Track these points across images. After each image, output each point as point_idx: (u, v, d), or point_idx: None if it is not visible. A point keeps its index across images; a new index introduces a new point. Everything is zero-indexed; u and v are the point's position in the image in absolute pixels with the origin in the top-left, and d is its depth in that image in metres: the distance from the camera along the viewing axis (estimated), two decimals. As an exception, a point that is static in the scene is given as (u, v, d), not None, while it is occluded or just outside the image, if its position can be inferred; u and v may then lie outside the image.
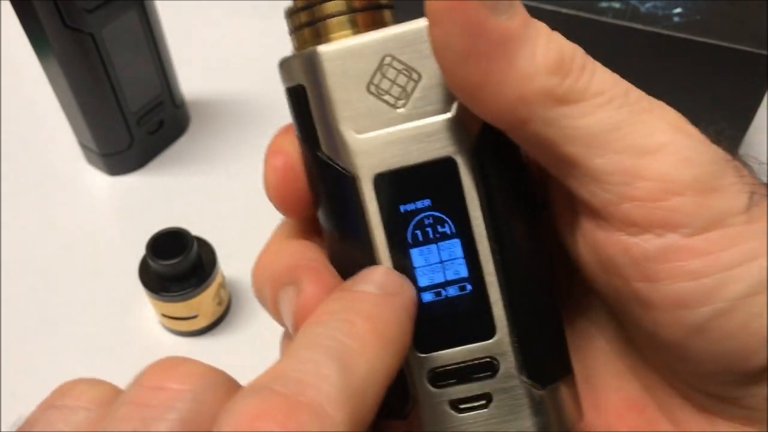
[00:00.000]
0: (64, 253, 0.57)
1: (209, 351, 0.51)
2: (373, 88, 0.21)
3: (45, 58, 0.55)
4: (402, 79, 0.21)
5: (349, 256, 0.23)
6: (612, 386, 0.25)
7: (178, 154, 0.64)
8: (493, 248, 0.22)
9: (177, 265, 0.48)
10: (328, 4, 0.22)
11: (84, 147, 0.62)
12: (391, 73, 0.21)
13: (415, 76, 0.21)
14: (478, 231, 0.22)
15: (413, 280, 0.22)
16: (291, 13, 0.23)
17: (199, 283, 0.49)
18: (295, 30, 0.23)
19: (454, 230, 0.22)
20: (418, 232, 0.22)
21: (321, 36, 0.22)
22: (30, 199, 0.61)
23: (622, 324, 0.24)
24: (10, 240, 0.58)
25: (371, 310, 0.20)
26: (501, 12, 0.19)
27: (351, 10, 0.22)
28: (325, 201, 0.23)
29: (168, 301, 0.49)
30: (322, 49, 0.21)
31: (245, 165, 0.63)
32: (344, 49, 0.21)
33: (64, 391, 0.21)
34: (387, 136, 0.21)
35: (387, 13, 0.23)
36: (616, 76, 0.21)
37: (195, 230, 0.50)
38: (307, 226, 0.25)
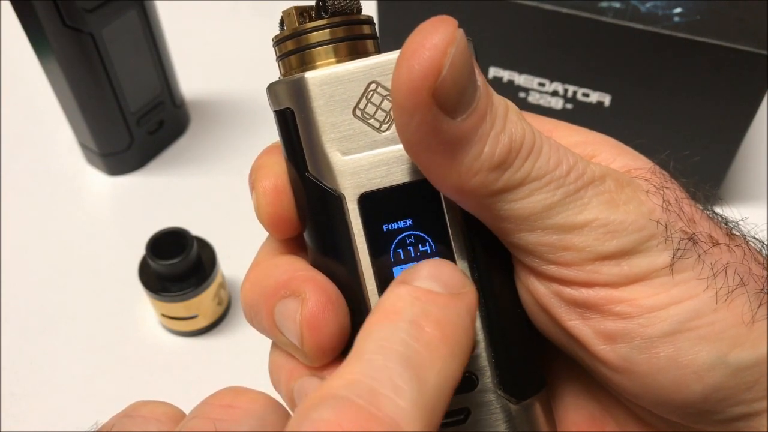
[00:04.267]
0: (63, 253, 0.57)
1: (209, 351, 0.51)
2: (358, 113, 0.22)
3: (45, 58, 0.55)
4: (386, 105, 0.22)
5: (333, 273, 0.23)
6: (574, 404, 0.26)
7: (177, 154, 0.64)
8: (471, 267, 0.23)
9: (177, 265, 0.48)
10: (315, 33, 0.23)
11: (84, 147, 0.62)
12: (375, 99, 0.22)
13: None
14: (457, 251, 0.22)
15: None
16: (278, 41, 0.24)
17: (199, 283, 0.49)
18: (282, 57, 0.24)
19: (434, 249, 0.23)
20: (400, 250, 0.23)
21: (307, 63, 0.23)
22: (30, 199, 0.61)
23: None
24: (10, 240, 0.58)
25: (439, 314, 0.20)
26: (458, 114, 0.20)
27: (337, 40, 0.23)
28: (312, 219, 0.24)
29: (168, 301, 0.49)
30: (310, 74, 0.22)
31: (245, 165, 0.62)
32: (331, 75, 0.22)
33: (137, 406, 0.22)
34: (372, 158, 0.22)
35: (370, 43, 0.24)
36: (563, 154, 0.22)
37: (195, 230, 0.50)
38: (291, 243, 0.26)
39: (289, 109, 0.23)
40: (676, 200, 0.23)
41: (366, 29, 0.24)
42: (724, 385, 0.21)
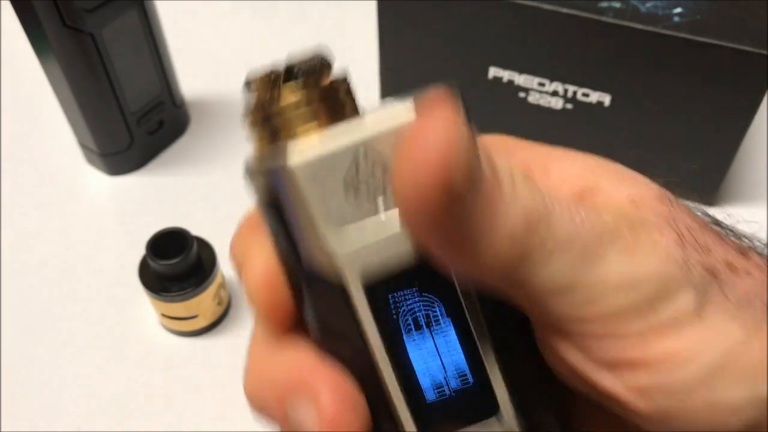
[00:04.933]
0: (63, 253, 0.57)
1: (209, 351, 0.51)
2: (351, 194, 0.20)
3: (45, 58, 0.55)
4: (379, 180, 0.20)
5: (343, 358, 0.22)
6: None
7: (178, 154, 0.64)
8: (486, 336, 0.21)
9: (177, 265, 0.48)
10: (288, 105, 0.21)
11: (84, 147, 0.62)
12: (366, 176, 0.20)
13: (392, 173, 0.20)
14: (472, 321, 0.21)
15: (414, 382, 0.21)
16: (247, 113, 0.22)
17: (199, 283, 0.49)
18: (254, 129, 0.22)
19: (449, 324, 0.21)
20: (415, 331, 0.21)
21: (283, 136, 0.21)
22: (30, 199, 0.61)
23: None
24: (10, 240, 0.58)
25: None
26: (468, 197, 0.18)
27: (313, 108, 0.21)
28: (313, 313, 0.22)
29: (168, 301, 0.49)
30: (293, 161, 0.20)
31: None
32: (315, 159, 0.20)
33: None
34: (372, 238, 0.20)
35: (349, 105, 0.22)
36: (574, 211, 0.20)
37: (195, 230, 0.50)
38: (287, 322, 0.24)
39: (273, 202, 0.21)
40: (687, 229, 0.22)
41: (343, 89, 0.22)
42: (760, 420, 0.21)
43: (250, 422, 0.26)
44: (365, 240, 0.20)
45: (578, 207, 0.21)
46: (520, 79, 0.56)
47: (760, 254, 0.23)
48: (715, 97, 0.51)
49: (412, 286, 0.21)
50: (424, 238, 0.19)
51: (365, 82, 0.67)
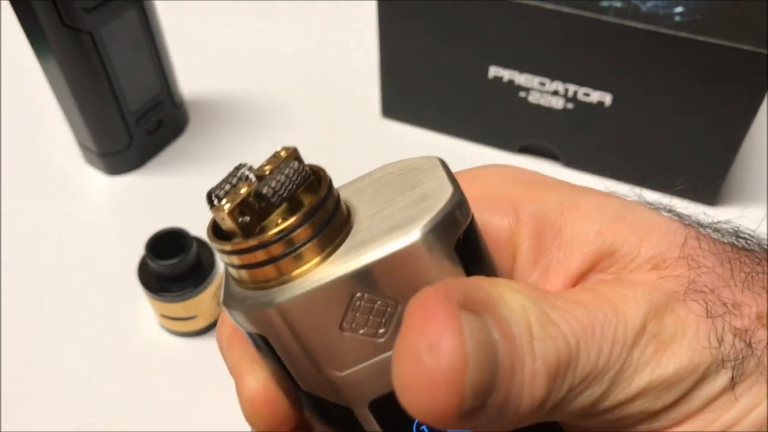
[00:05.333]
0: (62, 252, 0.57)
1: (208, 352, 0.51)
2: (347, 326, 0.19)
3: (44, 57, 0.55)
4: (378, 311, 0.19)
5: None
6: None
7: (177, 153, 0.64)
8: None
9: (176, 266, 0.47)
10: (269, 248, 0.19)
11: (83, 147, 0.62)
12: (365, 309, 0.19)
13: (392, 304, 0.19)
14: None
15: None
16: (223, 251, 0.20)
17: (198, 283, 0.49)
18: (233, 267, 0.20)
19: None
20: None
21: (266, 280, 0.19)
22: (28, 198, 0.61)
23: None
24: (9, 240, 0.58)
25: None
26: (489, 396, 0.17)
27: (297, 247, 0.19)
28: (314, 413, 0.21)
29: (167, 301, 0.49)
30: (278, 306, 0.18)
31: (245, 165, 0.62)
32: (306, 298, 0.18)
33: None
34: (373, 366, 0.19)
35: (336, 222, 0.20)
36: (601, 335, 0.19)
37: (194, 230, 0.50)
38: None
39: (261, 335, 0.20)
40: (712, 290, 0.21)
41: (330, 205, 0.19)
42: None
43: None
44: (369, 369, 0.19)
45: (606, 326, 0.19)
46: (521, 79, 0.56)
47: None
48: (716, 97, 0.51)
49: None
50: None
51: (365, 82, 0.67)
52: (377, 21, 0.57)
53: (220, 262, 0.51)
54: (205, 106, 0.67)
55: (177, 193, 0.61)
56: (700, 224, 0.23)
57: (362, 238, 0.19)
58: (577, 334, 0.19)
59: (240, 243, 0.19)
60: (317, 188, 0.20)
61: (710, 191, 0.56)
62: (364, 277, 0.18)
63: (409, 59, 0.59)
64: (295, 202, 0.20)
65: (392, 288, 0.19)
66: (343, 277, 0.18)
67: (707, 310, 0.20)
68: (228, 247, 0.19)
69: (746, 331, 0.20)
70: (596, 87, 0.54)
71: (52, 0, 0.50)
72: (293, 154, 0.20)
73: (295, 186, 0.19)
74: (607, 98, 0.54)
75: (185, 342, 0.52)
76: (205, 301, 0.50)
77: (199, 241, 0.50)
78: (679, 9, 0.50)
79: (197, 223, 0.54)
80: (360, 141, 0.64)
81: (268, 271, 0.19)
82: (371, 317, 0.19)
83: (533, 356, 0.18)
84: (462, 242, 0.19)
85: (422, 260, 0.18)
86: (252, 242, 0.19)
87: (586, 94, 0.55)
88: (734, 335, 0.20)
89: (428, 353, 0.16)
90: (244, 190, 0.19)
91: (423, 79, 0.60)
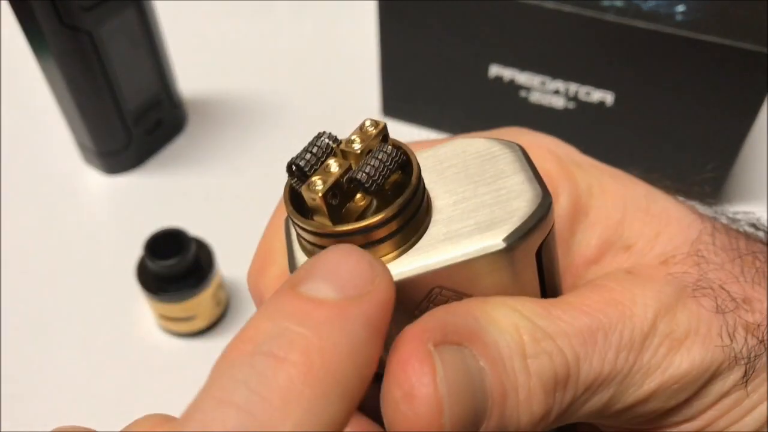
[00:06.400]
0: (60, 252, 0.57)
1: (207, 352, 0.51)
2: (418, 314, 0.19)
3: (42, 56, 0.55)
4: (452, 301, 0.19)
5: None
6: None
7: (175, 153, 0.64)
8: None
9: (175, 266, 0.47)
10: (372, 232, 0.18)
11: (81, 146, 0.62)
12: (440, 300, 0.19)
13: (466, 296, 0.19)
14: None
15: None
16: (309, 233, 0.19)
17: (197, 283, 0.48)
18: (319, 247, 0.19)
19: None
20: None
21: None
22: (27, 198, 0.61)
23: None
24: (7, 239, 0.58)
25: (312, 336, 0.15)
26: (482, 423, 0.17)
27: (393, 233, 0.19)
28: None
29: (165, 301, 0.48)
30: None
31: (243, 164, 0.62)
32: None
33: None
34: None
35: (424, 215, 0.19)
36: (606, 341, 0.19)
37: (193, 230, 0.50)
38: None
39: None
40: (722, 286, 0.21)
41: (419, 195, 0.19)
42: None
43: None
44: None
45: (610, 327, 0.19)
46: (522, 78, 0.56)
47: None
48: (718, 96, 0.51)
49: None
50: None
51: (365, 81, 0.67)
52: (377, 20, 0.57)
53: (219, 261, 0.51)
54: (204, 105, 0.67)
55: (176, 193, 0.61)
56: (718, 216, 0.23)
57: (446, 231, 0.19)
58: (576, 345, 0.19)
59: (329, 227, 0.18)
60: (405, 170, 0.20)
61: (712, 190, 0.56)
62: (446, 273, 0.18)
63: (409, 58, 0.59)
64: None
65: (469, 284, 0.19)
66: (426, 273, 0.18)
67: (717, 305, 0.20)
68: (312, 228, 0.19)
69: (759, 326, 0.20)
70: (597, 86, 0.54)
71: (51, -1, 0.50)
72: (383, 131, 0.20)
73: (389, 172, 0.19)
74: (608, 97, 0.54)
75: (184, 343, 0.52)
76: (203, 302, 0.49)
77: (198, 242, 0.50)
78: (680, 8, 0.50)
79: (196, 223, 0.54)
80: (360, 140, 0.63)
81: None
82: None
83: (527, 375, 0.18)
84: (543, 246, 0.19)
85: (504, 267, 0.19)
86: (344, 228, 0.18)
87: (588, 94, 0.54)
88: (746, 330, 0.20)
89: (404, 402, 0.16)
90: (335, 169, 0.19)
91: (423, 78, 0.60)
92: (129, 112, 0.59)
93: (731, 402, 0.20)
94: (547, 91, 0.55)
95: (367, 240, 0.18)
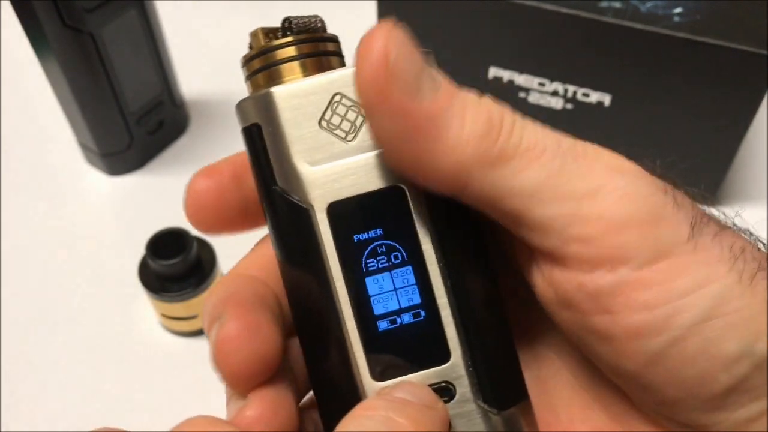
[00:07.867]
0: (63, 253, 0.57)
1: (208, 352, 0.51)
2: (324, 124, 0.23)
3: (45, 57, 0.55)
4: (351, 115, 0.22)
5: (304, 287, 0.23)
6: (579, 418, 0.25)
7: (177, 154, 0.64)
8: (444, 274, 0.22)
9: (176, 265, 0.48)
10: (281, 50, 0.24)
11: (83, 147, 0.62)
12: (340, 110, 0.23)
13: (361, 112, 0.22)
14: (428, 257, 0.22)
15: (368, 308, 0.22)
16: (246, 61, 0.25)
17: (199, 283, 0.49)
18: (250, 76, 0.25)
19: (405, 258, 0.22)
20: (372, 260, 0.22)
21: (274, 80, 0.24)
22: (29, 199, 0.61)
23: (585, 356, 0.24)
24: (10, 240, 0.58)
25: (414, 413, 0.20)
26: (424, 95, 0.20)
27: (302, 56, 0.24)
28: (281, 233, 0.24)
29: (167, 301, 0.49)
30: (276, 89, 0.23)
31: (245, 165, 0.63)
32: (297, 89, 0.23)
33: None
34: (339, 167, 0.22)
35: (335, 60, 0.24)
36: (546, 130, 0.22)
37: (194, 230, 0.50)
38: (263, 262, 0.26)
39: (256, 124, 0.24)
40: (674, 187, 0.23)
41: (330, 46, 0.25)
42: (749, 377, 0.20)
43: (249, 423, 0.26)
44: (333, 170, 0.22)
45: (553, 130, 0.22)
46: (521, 79, 0.56)
47: (750, 233, 0.23)
48: (715, 97, 0.51)
49: (376, 227, 0.22)
50: (394, 140, 0.21)
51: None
52: (377, 21, 0.57)
53: (220, 261, 0.51)
54: (205, 106, 0.67)
55: (178, 193, 0.60)
56: (720, 224, 0.23)
57: (349, 68, 0.23)
58: (527, 118, 0.22)
59: (259, 51, 0.24)
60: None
61: (709, 191, 0.56)
62: (345, 80, 0.22)
63: (409, 59, 0.59)
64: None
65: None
66: (328, 78, 0.23)
67: (665, 189, 0.22)
68: (251, 54, 0.25)
69: (703, 216, 0.22)
70: (595, 87, 0.54)
71: (53, 0, 0.50)
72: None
73: (311, 23, 0.24)
74: (606, 99, 0.54)
75: (186, 342, 0.52)
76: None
77: (200, 241, 0.50)
78: (678, 9, 0.50)
79: (198, 223, 0.54)
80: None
81: (273, 73, 0.24)
82: (345, 119, 0.23)
83: (478, 99, 0.21)
84: None
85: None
86: (267, 44, 0.24)
87: (586, 95, 0.55)
88: (692, 211, 0.22)
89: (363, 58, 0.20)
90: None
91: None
92: (131, 113, 0.59)
93: (681, 264, 0.21)
94: (545, 92, 0.56)
95: (283, 56, 0.24)
